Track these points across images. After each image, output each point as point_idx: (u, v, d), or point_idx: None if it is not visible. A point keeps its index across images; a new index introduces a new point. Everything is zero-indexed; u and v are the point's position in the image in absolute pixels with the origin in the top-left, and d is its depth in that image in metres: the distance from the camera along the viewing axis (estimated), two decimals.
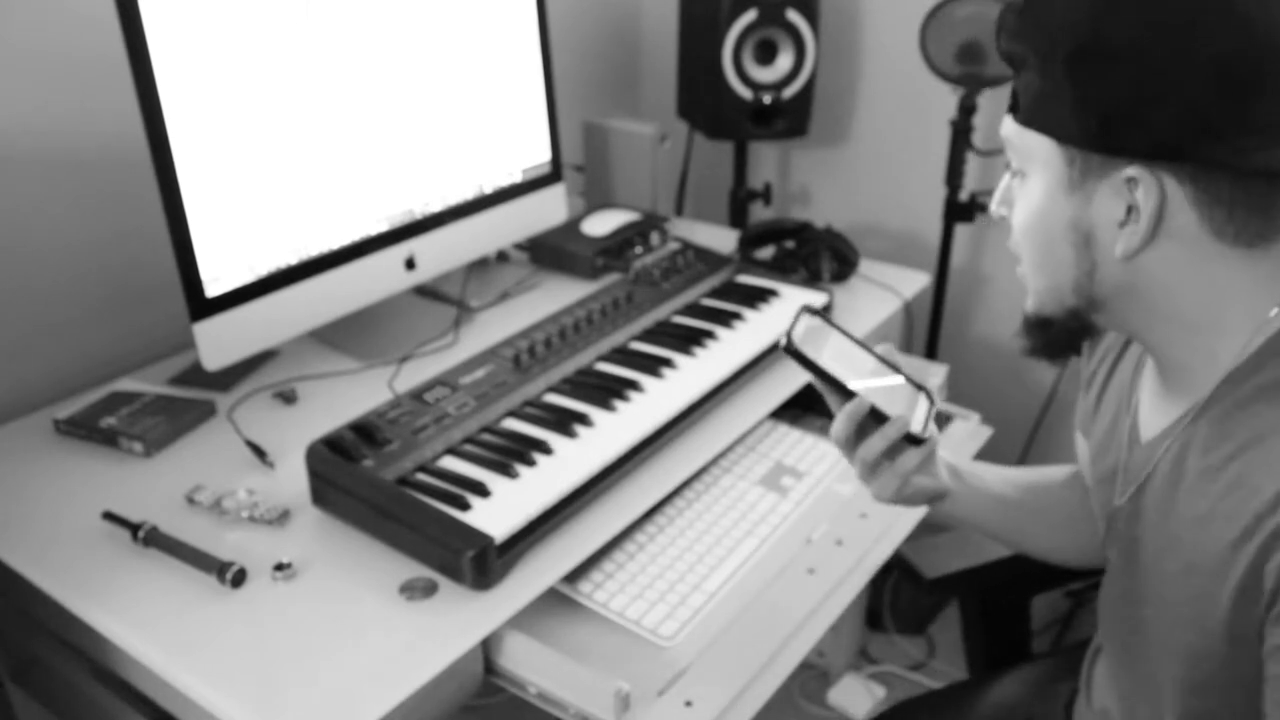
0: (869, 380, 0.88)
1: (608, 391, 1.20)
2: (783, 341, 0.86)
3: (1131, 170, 0.71)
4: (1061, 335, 0.83)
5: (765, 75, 1.85)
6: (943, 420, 0.92)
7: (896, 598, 1.98)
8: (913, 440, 0.87)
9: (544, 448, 1.10)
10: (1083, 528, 1.01)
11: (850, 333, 0.91)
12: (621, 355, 1.30)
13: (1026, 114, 0.76)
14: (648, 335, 1.35)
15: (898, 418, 0.85)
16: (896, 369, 0.90)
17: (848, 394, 0.86)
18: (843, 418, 0.86)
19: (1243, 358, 0.74)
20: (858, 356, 0.89)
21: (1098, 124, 0.71)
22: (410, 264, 1.39)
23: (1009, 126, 0.79)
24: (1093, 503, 0.96)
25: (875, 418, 0.86)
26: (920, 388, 0.91)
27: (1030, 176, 0.78)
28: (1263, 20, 0.66)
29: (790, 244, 1.64)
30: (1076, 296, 0.78)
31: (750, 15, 1.79)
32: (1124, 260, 0.74)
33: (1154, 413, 0.84)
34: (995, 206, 0.85)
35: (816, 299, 1.45)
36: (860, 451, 0.87)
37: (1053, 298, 0.80)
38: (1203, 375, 0.77)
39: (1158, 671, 0.83)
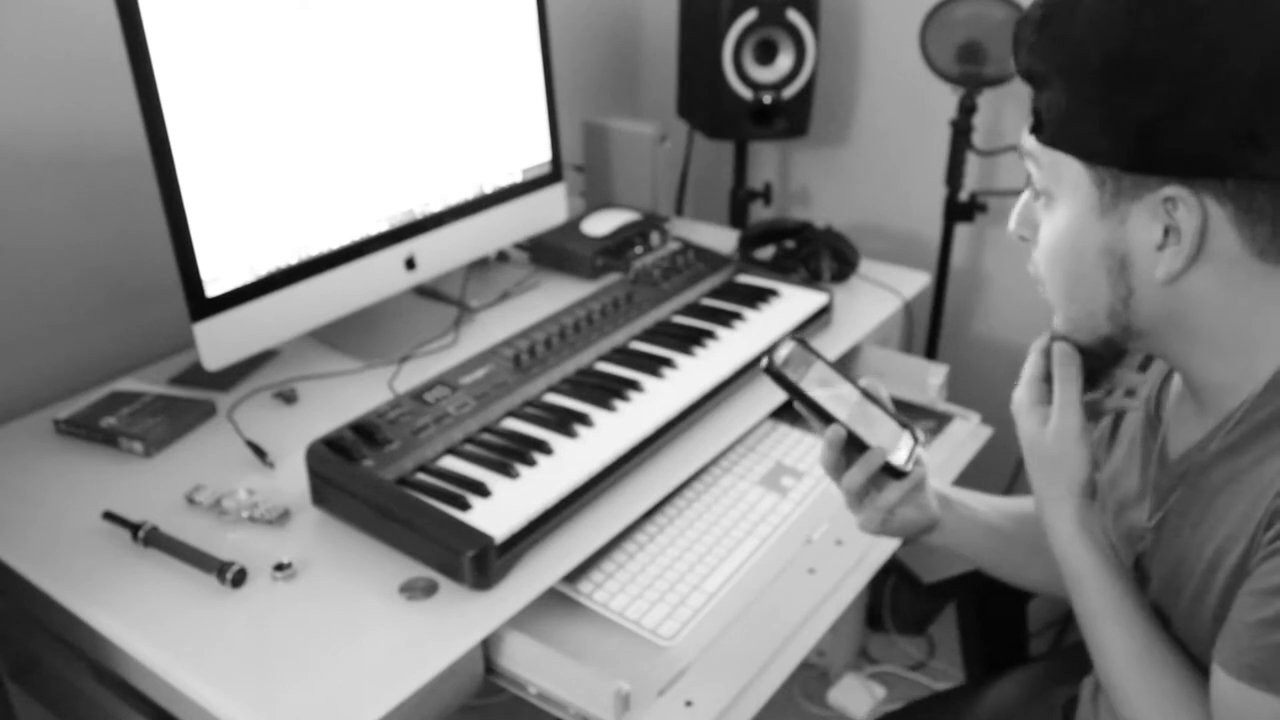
0: (853, 411, 0.88)
1: (608, 391, 1.20)
2: (764, 363, 0.86)
3: (1169, 190, 0.67)
4: (1096, 365, 0.79)
5: (765, 75, 1.85)
6: (922, 461, 0.92)
7: (896, 598, 1.98)
8: (893, 473, 0.86)
9: (544, 448, 1.10)
10: None
11: (835, 365, 0.91)
12: (622, 355, 1.30)
13: (1051, 134, 0.72)
14: (648, 335, 1.35)
15: (876, 448, 0.85)
16: (880, 404, 0.90)
17: (830, 420, 0.86)
18: (824, 445, 0.86)
19: None
20: (842, 389, 0.89)
21: (1131, 142, 0.67)
22: (410, 264, 1.39)
23: (1031, 144, 0.75)
24: (1109, 529, 0.92)
25: (857, 447, 0.86)
26: (905, 425, 0.90)
27: (1057, 199, 0.75)
28: None
29: (790, 244, 1.64)
30: (1111, 324, 0.76)
31: (750, 15, 1.79)
32: (1164, 284, 0.71)
33: (1183, 430, 0.82)
34: (1015, 227, 0.82)
35: (817, 299, 1.45)
36: (843, 482, 0.87)
37: (1086, 325, 0.78)
38: (1237, 392, 0.74)
39: None
